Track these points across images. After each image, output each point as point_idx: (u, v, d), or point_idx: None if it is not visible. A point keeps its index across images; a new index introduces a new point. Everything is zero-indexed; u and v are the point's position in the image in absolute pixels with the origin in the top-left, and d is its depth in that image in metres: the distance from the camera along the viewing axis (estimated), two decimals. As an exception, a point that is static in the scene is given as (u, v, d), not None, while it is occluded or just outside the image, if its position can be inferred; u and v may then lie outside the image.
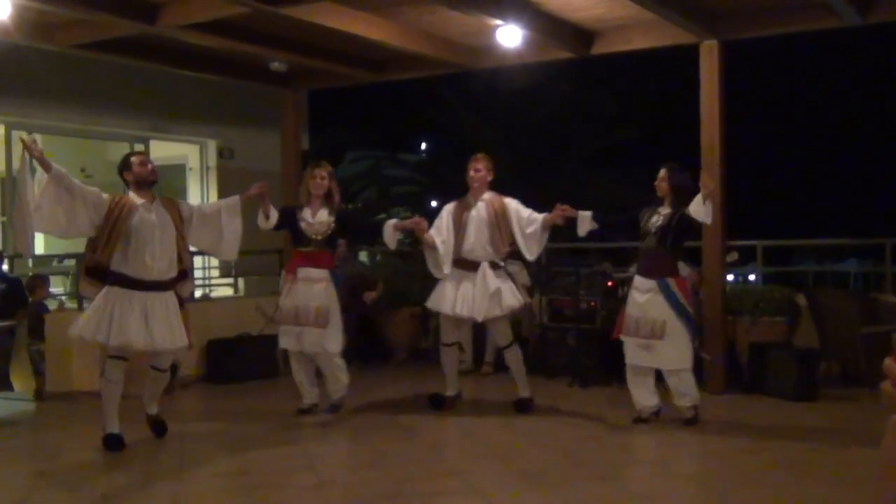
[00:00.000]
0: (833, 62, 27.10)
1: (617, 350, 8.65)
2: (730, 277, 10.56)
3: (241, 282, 12.36)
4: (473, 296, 7.14)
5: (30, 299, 9.67)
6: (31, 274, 11.55)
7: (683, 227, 6.65)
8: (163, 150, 14.63)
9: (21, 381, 9.27)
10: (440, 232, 7.30)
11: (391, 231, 7.19)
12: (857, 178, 26.85)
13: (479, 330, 9.36)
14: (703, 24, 8.00)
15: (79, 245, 13.08)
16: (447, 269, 7.27)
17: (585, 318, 8.68)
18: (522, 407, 7.38)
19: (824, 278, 16.23)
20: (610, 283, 8.84)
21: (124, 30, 8.19)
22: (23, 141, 5.76)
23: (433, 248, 7.26)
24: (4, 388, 9.07)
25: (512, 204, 7.28)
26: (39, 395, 8.42)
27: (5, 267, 10.54)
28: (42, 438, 7.09)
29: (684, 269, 8.84)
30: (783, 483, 5.46)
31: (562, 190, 20.45)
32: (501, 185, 7.46)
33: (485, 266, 7.19)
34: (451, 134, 22.77)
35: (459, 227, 7.26)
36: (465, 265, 7.24)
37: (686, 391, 6.80)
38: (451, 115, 21.70)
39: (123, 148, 14.33)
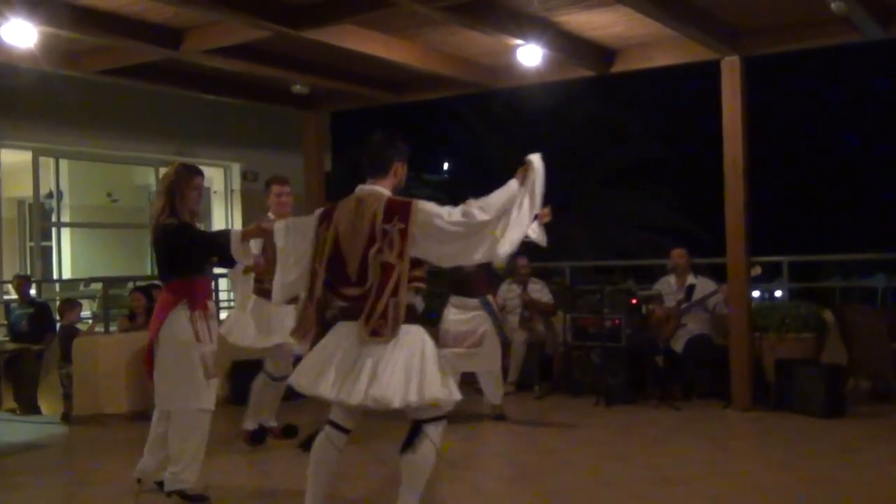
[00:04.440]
0: (858, 75, 26.96)
1: (642, 368, 8.67)
2: (756, 294, 10.49)
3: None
4: None
5: (61, 322, 9.76)
6: (58, 298, 11.68)
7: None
8: (187, 174, 14.72)
9: (49, 405, 9.34)
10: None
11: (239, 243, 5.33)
12: (884, 192, 26.60)
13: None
14: (724, 41, 7.99)
15: (104, 269, 13.15)
16: None
17: (610, 337, 8.63)
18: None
19: (852, 294, 16.04)
20: (634, 301, 8.81)
21: (149, 55, 8.29)
22: None
23: None
24: (33, 412, 9.14)
25: None
26: (67, 418, 8.48)
27: (33, 291, 10.65)
28: (71, 461, 7.13)
29: (711, 284, 8.82)
30: (812, 501, 5.39)
31: (585, 208, 20.51)
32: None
33: None
34: (473, 154, 22.81)
35: None
36: None
37: (495, 390, 7.72)
38: (473, 135, 21.74)
39: (149, 172, 14.52)
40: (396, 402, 4.13)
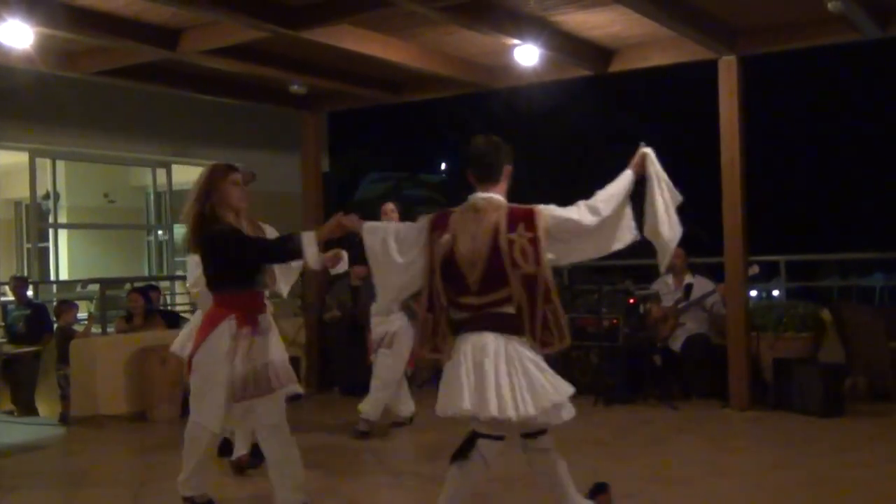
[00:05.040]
0: (856, 75, 26.98)
1: (640, 368, 8.66)
2: (753, 293, 10.49)
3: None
4: None
5: (58, 324, 9.75)
6: (55, 300, 11.66)
7: None
8: (184, 175, 14.75)
9: (46, 406, 9.34)
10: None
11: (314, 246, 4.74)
12: (882, 191, 26.63)
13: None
14: (722, 40, 7.99)
15: (101, 270, 13.11)
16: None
17: (608, 336, 8.63)
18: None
19: (849, 293, 16.08)
20: (632, 301, 8.80)
21: (146, 56, 8.27)
22: None
23: None
24: (30, 413, 9.14)
25: None
26: (64, 419, 8.47)
27: (30, 293, 10.65)
28: (69, 463, 7.11)
29: (708, 283, 8.81)
30: (811, 501, 5.39)
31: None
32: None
33: None
34: (471, 154, 22.78)
35: None
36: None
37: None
38: (471, 134, 21.68)
39: (146, 173, 14.52)
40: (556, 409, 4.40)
